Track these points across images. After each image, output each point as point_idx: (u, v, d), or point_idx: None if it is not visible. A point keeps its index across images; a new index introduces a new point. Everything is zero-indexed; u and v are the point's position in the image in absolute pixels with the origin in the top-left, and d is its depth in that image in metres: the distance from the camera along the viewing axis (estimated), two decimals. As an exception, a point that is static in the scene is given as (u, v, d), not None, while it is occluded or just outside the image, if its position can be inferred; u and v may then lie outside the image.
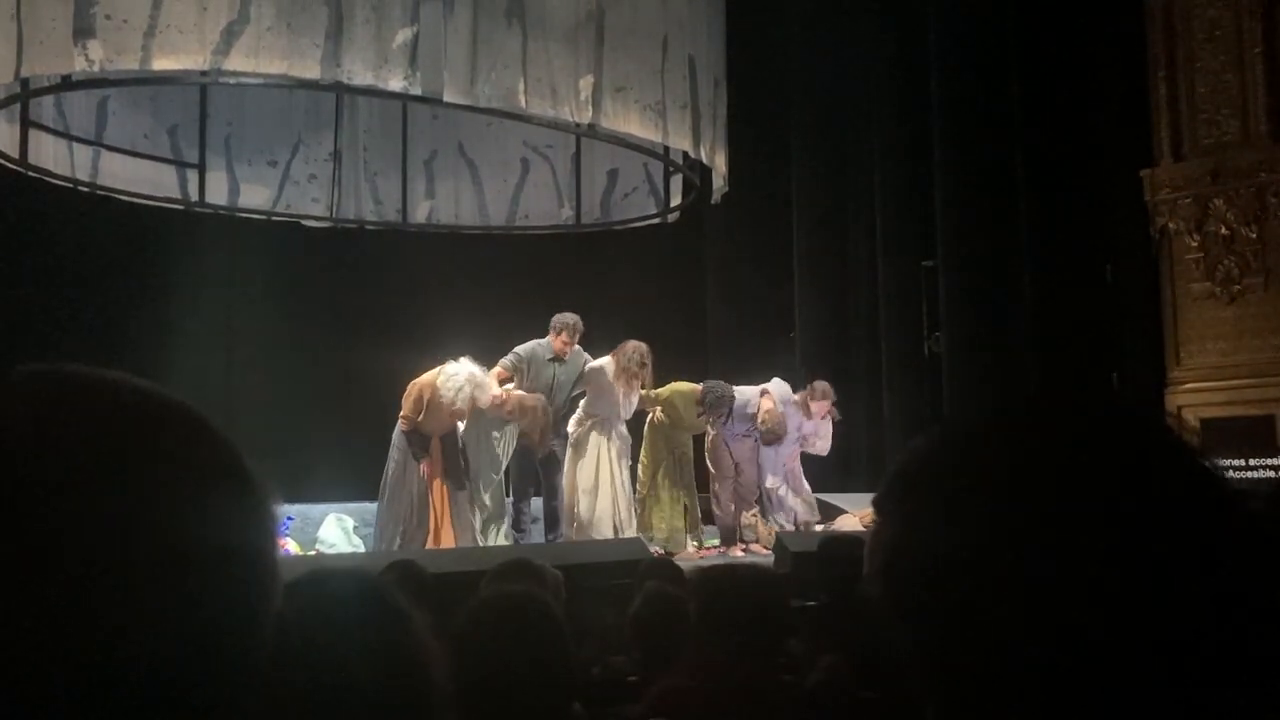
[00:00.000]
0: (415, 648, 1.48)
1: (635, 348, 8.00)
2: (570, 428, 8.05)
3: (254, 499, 0.57)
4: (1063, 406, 0.72)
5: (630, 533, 7.90)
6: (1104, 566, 0.64)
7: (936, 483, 0.71)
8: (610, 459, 7.99)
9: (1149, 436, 0.70)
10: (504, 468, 7.76)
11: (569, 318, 7.92)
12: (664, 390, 8.46)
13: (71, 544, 0.49)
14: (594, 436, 8.02)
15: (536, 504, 8.06)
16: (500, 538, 7.60)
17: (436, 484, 7.45)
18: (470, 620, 2.05)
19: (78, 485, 0.51)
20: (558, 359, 7.91)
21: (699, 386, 8.54)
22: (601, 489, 7.93)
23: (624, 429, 8.23)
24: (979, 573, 0.66)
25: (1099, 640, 0.63)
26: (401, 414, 7.44)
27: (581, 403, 8.17)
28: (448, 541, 7.34)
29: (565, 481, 8.00)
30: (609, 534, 7.85)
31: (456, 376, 7.26)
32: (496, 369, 7.71)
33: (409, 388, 7.46)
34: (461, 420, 7.51)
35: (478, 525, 7.53)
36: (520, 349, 7.90)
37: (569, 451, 8.03)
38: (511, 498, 7.88)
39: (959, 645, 0.67)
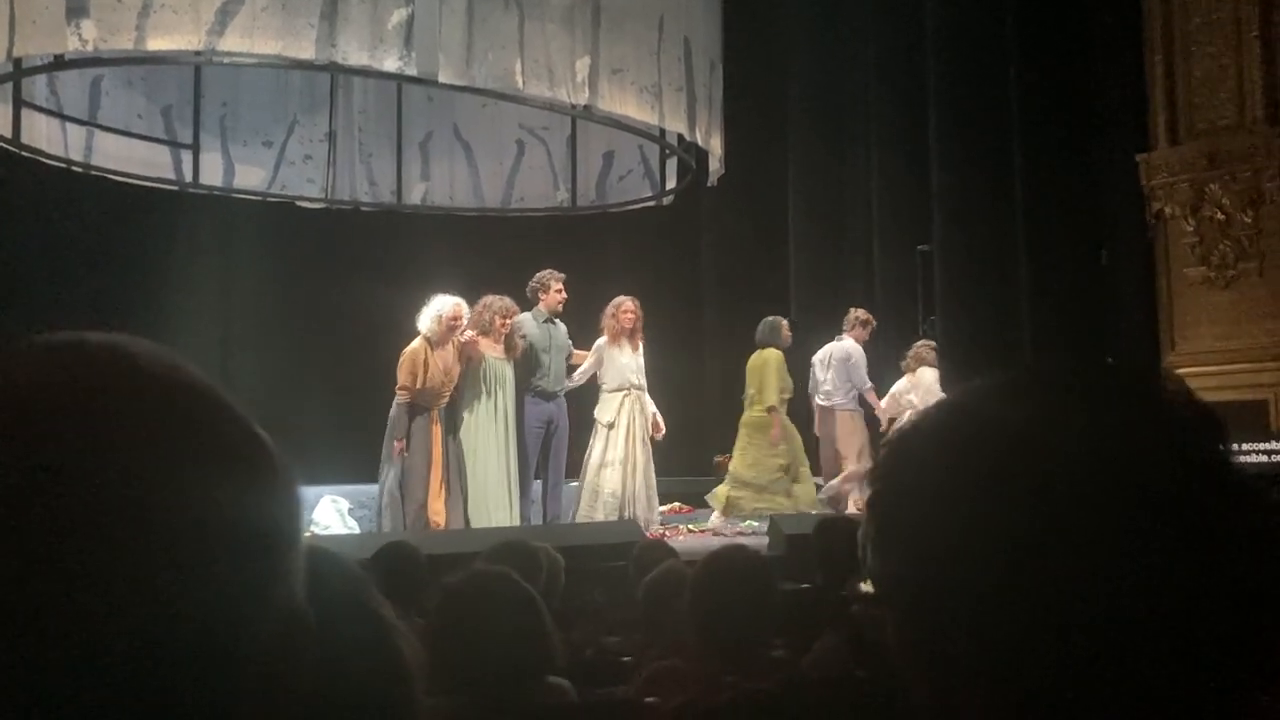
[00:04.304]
0: (380, 622, 1.49)
1: (612, 301, 8.14)
2: (601, 411, 8.08)
3: (276, 478, 0.56)
4: (1055, 380, 0.71)
5: (640, 510, 7.95)
6: (1094, 542, 0.63)
7: (926, 456, 0.70)
8: (636, 433, 8.04)
9: (1144, 410, 0.69)
10: (508, 444, 7.67)
11: (541, 273, 8.00)
12: (759, 365, 8.59)
13: (85, 517, 0.48)
14: (625, 409, 8.02)
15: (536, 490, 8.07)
16: (512, 516, 7.56)
17: (436, 461, 7.36)
18: (441, 599, 2.12)
19: (93, 457, 0.49)
20: (551, 320, 7.95)
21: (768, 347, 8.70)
22: (626, 463, 7.97)
23: (650, 402, 8.24)
24: (967, 546, 0.65)
25: (1088, 618, 0.63)
26: (398, 386, 7.32)
27: (600, 376, 8.17)
28: (448, 522, 7.31)
29: (592, 455, 8.04)
30: (621, 510, 7.91)
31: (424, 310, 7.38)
32: None
33: (401, 357, 7.36)
34: (449, 371, 7.41)
35: (489, 505, 7.50)
36: (515, 318, 7.95)
37: (597, 425, 8.07)
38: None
39: (946, 618, 0.66)
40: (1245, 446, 9.03)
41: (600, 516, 7.83)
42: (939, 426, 0.71)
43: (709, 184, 9.85)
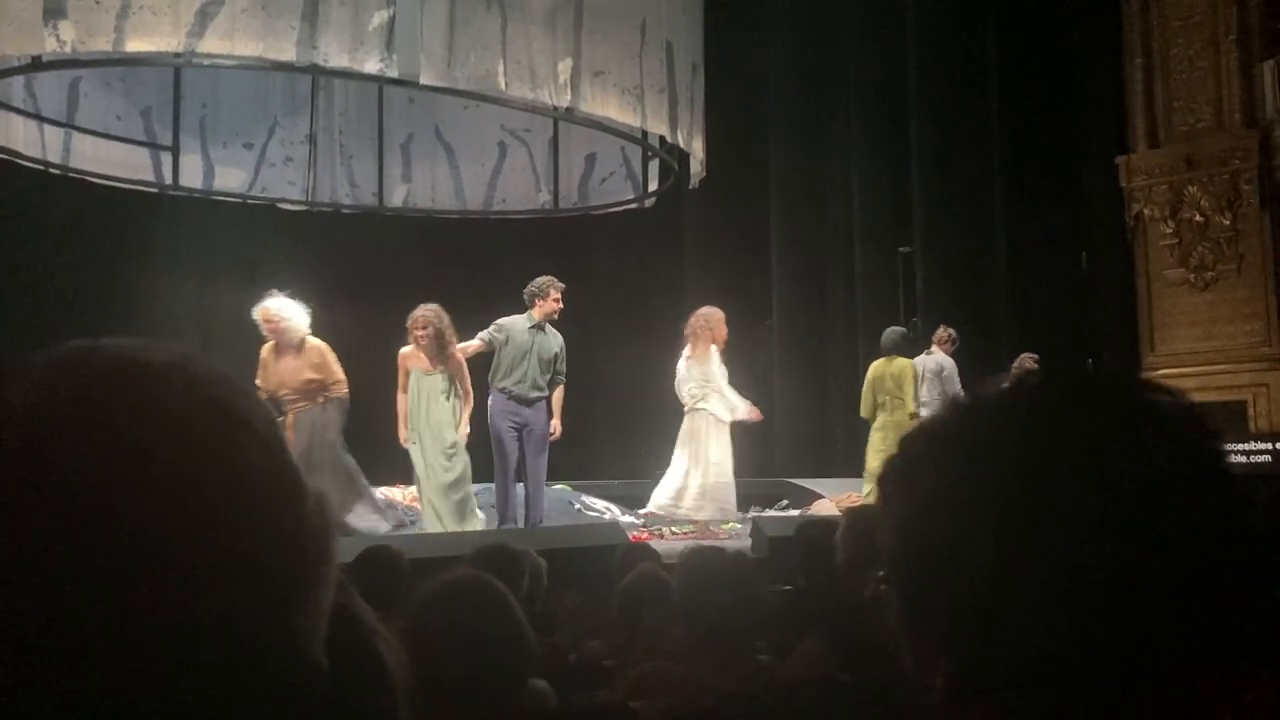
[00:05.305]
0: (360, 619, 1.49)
1: (710, 314, 8.66)
2: (716, 408, 8.50)
3: (308, 502, 0.55)
4: (1069, 384, 0.74)
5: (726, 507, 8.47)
6: (1110, 543, 0.66)
7: (934, 457, 0.73)
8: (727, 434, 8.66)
9: (1129, 413, 0.71)
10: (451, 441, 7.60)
11: (541, 279, 7.95)
12: (898, 373, 8.71)
13: (110, 537, 0.47)
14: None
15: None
16: (472, 522, 7.52)
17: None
18: (421, 603, 2.11)
19: (121, 476, 0.48)
20: (539, 327, 7.90)
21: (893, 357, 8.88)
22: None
23: None
24: (989, 550, 0.67)
25: (1109, 617, 0.65)
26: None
27: (698, 384, 8.54)
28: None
29: (708, 454, 8.47)
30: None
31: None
32: (474, 341, 7.74)
33: None
34: (286, 376, 7.20)
35: (447, 508, 7.42)
36: (501, 320, 7.90)
37: (713, 425, 8.50)
38: (497, 483, 7.86)
39: (973, 623, 0.68)
40: (1224, 448, 9.08)
41: (733, 508, 8.51)
42: (944, 431, 0.74)
43: (691, 186, 9.85)
